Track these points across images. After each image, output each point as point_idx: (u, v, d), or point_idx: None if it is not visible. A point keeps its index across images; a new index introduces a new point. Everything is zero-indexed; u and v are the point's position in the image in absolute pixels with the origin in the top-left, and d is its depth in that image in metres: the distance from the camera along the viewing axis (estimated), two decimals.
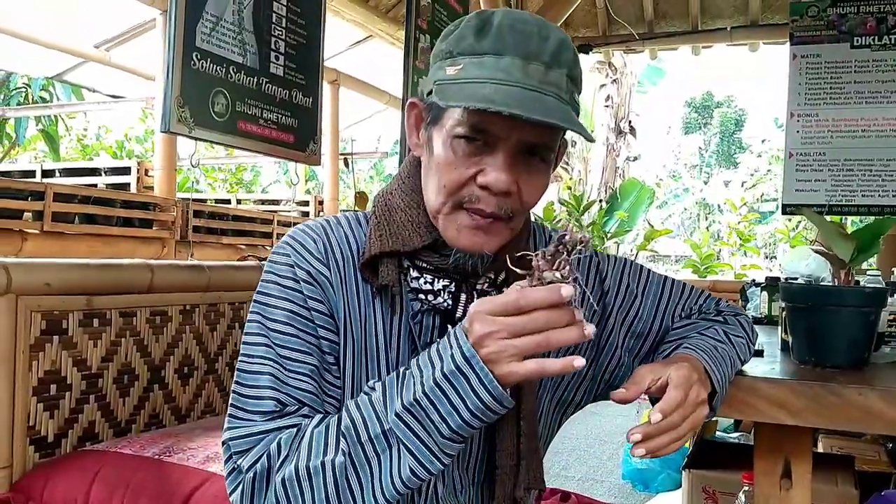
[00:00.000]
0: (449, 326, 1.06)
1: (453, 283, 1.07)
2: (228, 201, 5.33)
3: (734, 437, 3.21)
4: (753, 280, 3.30)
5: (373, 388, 0.95)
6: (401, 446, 0.89)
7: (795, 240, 6.98)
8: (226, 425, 1.01)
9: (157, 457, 1.73)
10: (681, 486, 2.92)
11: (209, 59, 2.38)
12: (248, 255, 3.52)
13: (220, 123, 2.46)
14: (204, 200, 4.33)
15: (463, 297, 1.06)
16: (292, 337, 1.01)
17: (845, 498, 1.53)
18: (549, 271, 0.85)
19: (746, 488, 1.58)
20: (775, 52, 5.21)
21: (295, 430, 0.97)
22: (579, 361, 0.85)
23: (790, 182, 4.52)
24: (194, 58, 2.32)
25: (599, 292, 1.20)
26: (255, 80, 2.62)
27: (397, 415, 0.89)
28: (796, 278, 2.47)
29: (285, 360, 1.01)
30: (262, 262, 2.78)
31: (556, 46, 0.97)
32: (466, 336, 0.88)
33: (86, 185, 3.53)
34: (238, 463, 0.97)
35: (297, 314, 1.02)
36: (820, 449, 2.24)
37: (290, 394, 0.99)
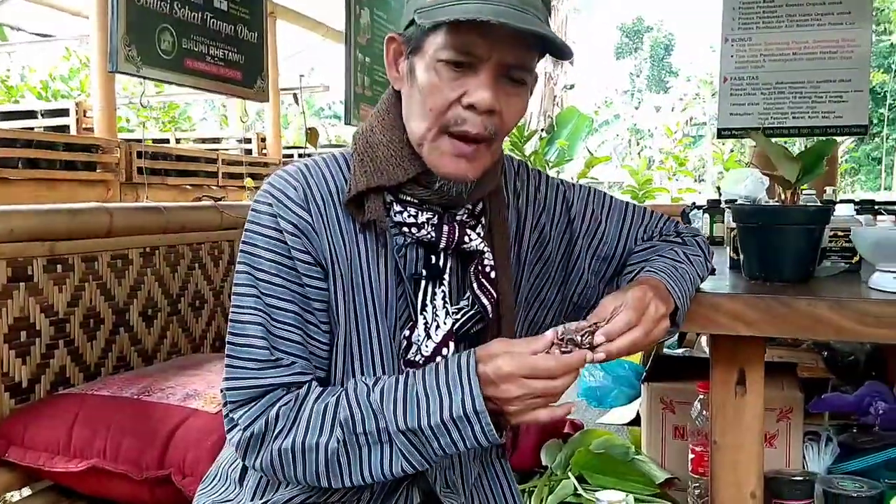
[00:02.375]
0: (432, 257, 1.11)
1: (436, 216, 1.10)
2: (167, 141, 5.21)
3: (679, 352, 3.39)
4: (694, 203, 3.43)
5: (373, 385, 1.01)
6: (395, 449, 0.99)
7: (730, 162, 7.18)
8: (223, 374, 1.06)
9: (136, 397, 1.77)
10: (632, 400, 3.10)
11: None
12: (203, 196, 3.48)
13: (168, 61, 2.41)
14: (141, 140, 4.22)
15: (445, 228, 1.10)
16: (279, 287, 1.05)
17: (791, 401, 1.66)
18: (576, 340, 0.99)
19: (702, 397, 1.69)
20: None
21: (293, 401, 1.02)
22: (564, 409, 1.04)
23: (725, 106, 4.62)
24: None
25: (567, 219, 1.26)
26: (200, 15, 2.56)
27: (399, 430, 0.98)
28: (735, 199, 2.58)
29: (273, 310, 1.04)
30: (219, 202, 2.78)
31: None
32: (481, 384, 0.96)
33: (22, 128, 3.41)
34: (235, 417, 1.04)
35: (282, 265, 1.05)
36: (765, 358, 2.39)
37: (278, 346, 1.04)
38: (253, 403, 1.03)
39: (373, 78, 3.79)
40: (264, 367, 1.03)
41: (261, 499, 1.12)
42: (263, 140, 5.00)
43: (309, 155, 4.67)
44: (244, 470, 1.15)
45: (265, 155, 4.97)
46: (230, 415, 1.04)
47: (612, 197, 1.33)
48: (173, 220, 2.37)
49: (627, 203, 1.35)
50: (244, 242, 1.07)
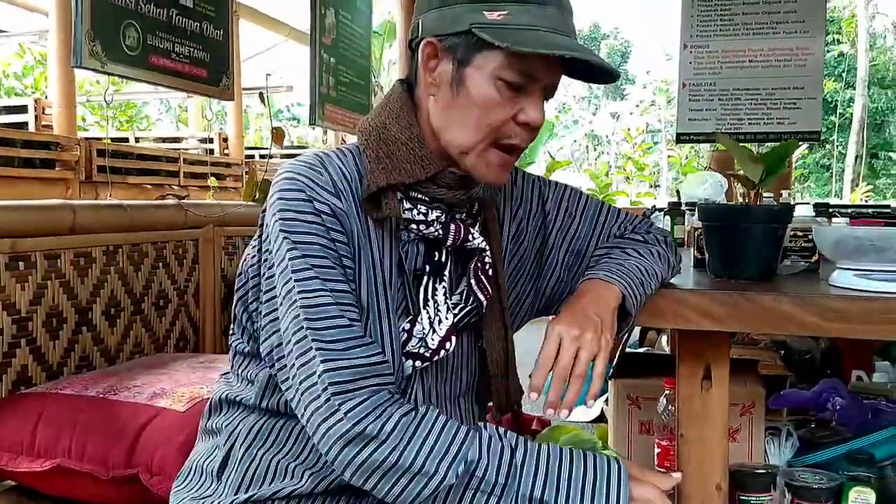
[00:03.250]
0: (436, 254, 1.15)
1: (444, 214, 1.13)
2: (126, 140, 5.12)
3: (640, 350, 3.44)
4: (654, 206, 3.49)
5: (513, 449, 1.03)
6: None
7: (688, 167, 7.32)
8: (317, 359, 1.00)
9: (101, 396, 1.74)
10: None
11: None
12: (168, 194, 3.43)
13: (133, 58, 2.38)
14: (100, 139, 4.15)
15: (452, 227, 1.13)
16: (332, 269, 1.04)
17: (754, 396, 1.70)
18: None
19: (667, 392, 1.73)
20: None
21: (413, 414, 1.00)
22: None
23: (684, 112, 4.72)
24: None
25: (542, 213, 1.30)
26: (166, 12, 2.54)
27: (525, 496, 0.99)
28: (695, 202, 2.63)
29: (336, 293, 1.03)
30: (183, 201, 2.75)
31: None
32: None
33: None
34: (338, 403, 0.98)
35: (327, 247, 1.04)
36: None
37: (355, 323, 1.03)
38: (361, 392, 0.99)
39: (338, 78, 3.78)
40: (356, 346, 1.01)
41: (246, 492, 1.11)
42: (225, 140, 4.95)
43: (272, 157, 4.66)
44: (223, 464, 1.14)
45: (227, 155, 4.93)
46: (331, 400, 0.98)
47: (586, 194, 1.37)
48: (137, 219, 2.35)
49: (602, 202, 1.38)
50: (284, 231, 1.04)
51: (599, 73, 1.10)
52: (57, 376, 2.02)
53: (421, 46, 1.11)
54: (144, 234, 2.38)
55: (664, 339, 3.16)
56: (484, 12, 1.04)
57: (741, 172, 1.53)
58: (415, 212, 1.12)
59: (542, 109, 1.10)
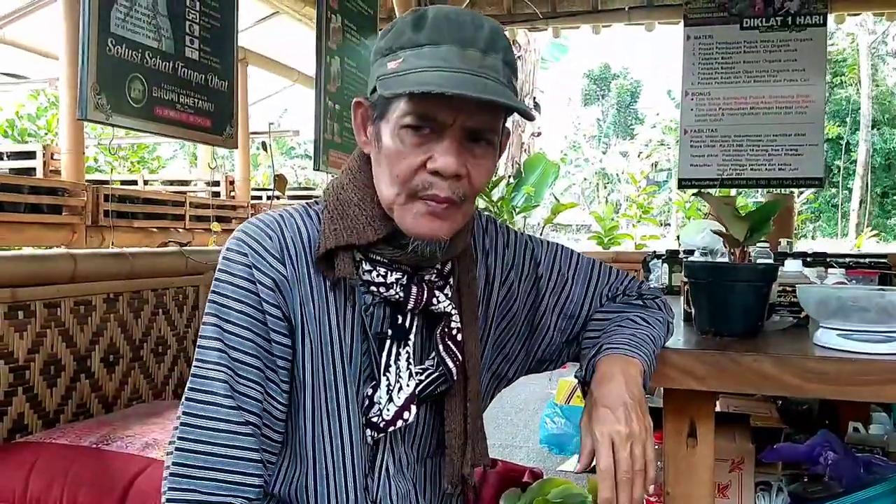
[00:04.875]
0: (399, 317, 1.12)
1: (405, 276, 1.11)
2: (135, 182, 5.20)
3: None
4: (654, 252, 3.50)
5: None
6: None
7: (691, 210, 7.34)
8: (178, 434, 1.03)
9: (94, 446, 1.76)
10: None
11: (124, 45, 2.36)
12: (169, 241, 3.48)
13: (137, 109, 2.44)
14: (108, 182, 4.22)
15: (414, 289, 1.10)
16: (247, 341, 1.04)
17: (743, 452, 1.70)
18: None
19: (656, 447, 1.73)
20: (670, 31, 5.42)
21: None
22: None
23: (685, 158, 4.76)
24: (109, 44, 2.29)
25: (534, 276, 1.29)
26: (171, 64, 2.60)
27: None
28: (693, 250, 2.65)
29: (237, 364, 1.04)
30: (184, 248, 2.79)
31: (489, 34, 1.03)
32: None
33: None
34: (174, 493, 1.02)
35: (252, 317, 1.04)
36: (719, 408, 2.44)
37: (241, 405, 1.03)
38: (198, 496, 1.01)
39: (342, 125, 3.84)
40: (226, 432, 1.02)
41: None
42: (232, 183, 5.01)
43: (278, 198, 4.71)
44: None
45: (233, 197, 4.99)
46: (168, 493, 1.03)
47: (578, 254, 1.35)
48: (138, 266, 2.38)
49: (593, 261, 1.37)
50: (214, 292, 1.06)
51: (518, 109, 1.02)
52: (53, 424, 2.04)
53: (353, 108, 1.13)
54: (145, 281, 2.42)
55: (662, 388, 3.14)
56: (388, 64, 1.03)
57: (726, 231, 1.55)
58: (374, 273, 1.09)
59: (455, 154, 1.01)
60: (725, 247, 2.76)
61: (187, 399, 1.04)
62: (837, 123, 18.24)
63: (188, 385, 1.05)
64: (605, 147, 27.49)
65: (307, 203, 1.17)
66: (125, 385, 2.33)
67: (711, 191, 5.70)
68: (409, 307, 1.11)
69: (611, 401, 1.09)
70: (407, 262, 1.11)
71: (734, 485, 1.71)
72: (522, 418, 4.50)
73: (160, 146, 15.22)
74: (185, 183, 5.39)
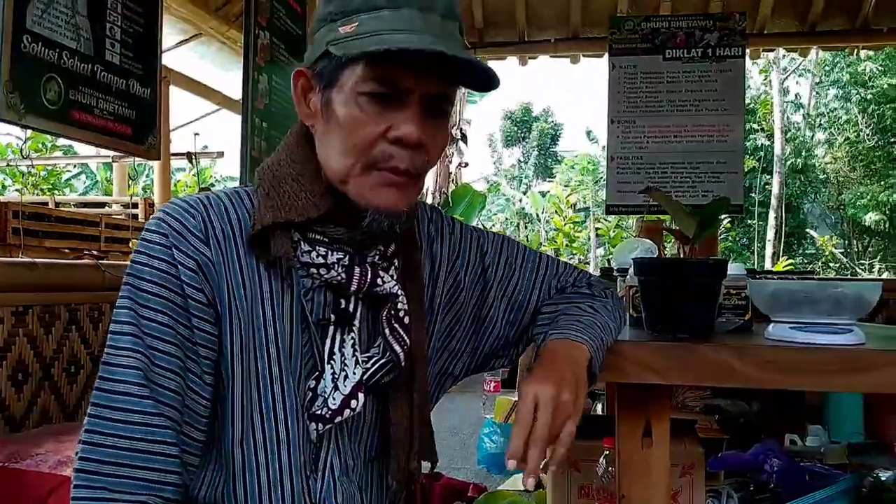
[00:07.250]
0: (342, 301, 1.04)
1: (347, 256, 1.04)
2: (46, 203, 4.94)
3: None
4: None
5: None
6: None
7: (616, 239, 7.47)
8: (85, 426, 0.94)
9: (2, 464, 1.60)
10: None
11: (41, 43, 2.22)
12: (85, 252, 3.28)
13: (53, 111, 2.29)
14: (18, 199, 3.99)
15: (357, 269, 1.03)
16: (164, 326, 0.96)
17: (693, 456, 1.67)
18: None
19: (607, 452, 1.68)
20: (592, 65, 5.54)
21: None
22: None
23: (612, 184, 4.83)
24: (24, 41, 2.15)
25: (481, 267, 1.24)
26: (90, 67, 2.47)
27: None
28: (626, 269, 2.64)
29: (153, 353, 0.95)
30: (100, 262, 2.63)
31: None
32: None
33: None
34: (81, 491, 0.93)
35: (171, 301, 0.96)
36: None
37: (157, 396, 0.94)
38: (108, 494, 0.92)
39: (270, 143, 3.74)
40: (140, 424, 0.93)
41: None
42: (151, 205, 4.82)
43: None
44: None
45: None
46: (75, 491, 0.93)
47: (525, 246, 1.32)
48: (51, 278, 2.22)
49: (540, 253, 1.34)
50: (129, 274, 0.97)
51: (483, 76, 0.98)
52: None
53: (293, 78, 1.06)
54: (57, 295, 2.25)
55: (599, 406, 3.13)
56: (339, 28, 0.97)
57: (675, 227, 1.53)
58: (314, 254, 1.02)
59: (417, 123, 0.96)
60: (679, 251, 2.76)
61: (97, 389, 0.95)
62: (755, 158, 18.95)
63: (98, 374, 0.95)
64: (525, 188, 27.93)
65: (236, 187, 1.09)
66: (34, 405, 2.16)
67: (634, 218, 5.82)
68: (352, 289, 1.04)
69: (547, 369, 1.03)
70: (349, 242, 1.03)
71: (685, 490, 1.68)
72: (459, 440, 4.45)
73: (75, 178, 14.71)
74: (101, 206, 5.16)
